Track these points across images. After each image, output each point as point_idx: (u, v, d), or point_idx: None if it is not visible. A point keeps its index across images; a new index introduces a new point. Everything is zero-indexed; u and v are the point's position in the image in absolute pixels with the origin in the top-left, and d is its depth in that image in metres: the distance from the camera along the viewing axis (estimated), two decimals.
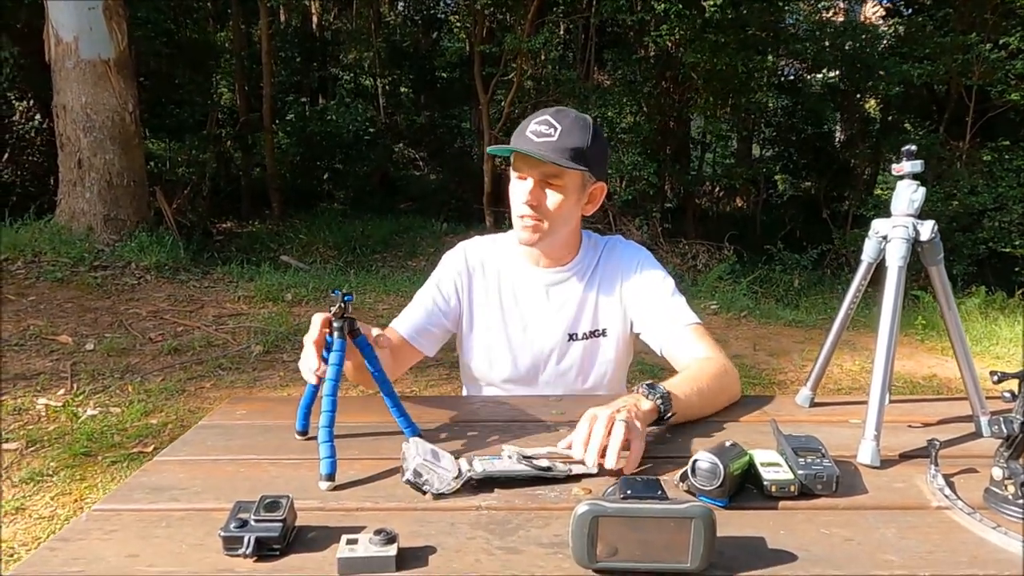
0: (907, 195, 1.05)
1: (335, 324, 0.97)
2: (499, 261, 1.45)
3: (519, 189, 1.30)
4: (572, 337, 1.41)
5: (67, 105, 5.68)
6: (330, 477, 0.91)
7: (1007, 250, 7.62)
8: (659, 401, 1.05)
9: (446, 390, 3.58)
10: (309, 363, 0.98)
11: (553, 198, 1.29)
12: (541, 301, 1.42)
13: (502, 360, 1.42)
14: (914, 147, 1.04)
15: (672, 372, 1.27)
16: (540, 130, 1.24)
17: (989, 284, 7.19)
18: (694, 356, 1.28)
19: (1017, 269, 7.61)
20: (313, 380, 0.98)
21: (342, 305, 0.97)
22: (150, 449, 2.81)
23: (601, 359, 1.42)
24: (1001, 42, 7.53)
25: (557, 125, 1.24)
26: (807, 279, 7.70)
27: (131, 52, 5.96)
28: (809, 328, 5.38)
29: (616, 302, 1.41)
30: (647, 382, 1.08)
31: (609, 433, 0.93)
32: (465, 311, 1.45)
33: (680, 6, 7.39)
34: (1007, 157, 7.91)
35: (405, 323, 1.40)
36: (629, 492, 0.73)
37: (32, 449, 2.77)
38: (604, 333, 1.41)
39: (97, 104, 5.68)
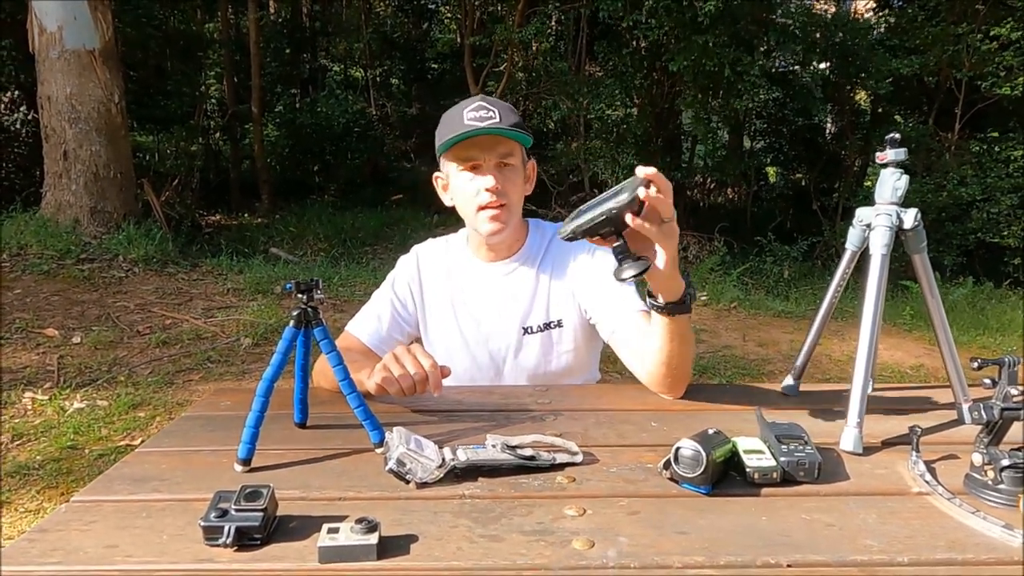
0: (891, 183, 1.05)
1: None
2: (449, 261, 1.45)
3: (476, 181, 1.28)
4: (527, 331, 1.38)
5: (52, 96, 5.61)
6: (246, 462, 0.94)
7: (996, 240, 7.68)
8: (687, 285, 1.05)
9: None
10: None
11: (511, 178, 1.29)
12: (491, 296, 1.40)
13: (461, 359, 1.41)
14: (898, 135, 1.04)
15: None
16: (481, 115, 1.23)
17: (978, 275, 7.25)
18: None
19: (1006, 259, 7.67)
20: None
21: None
22: (137, 442, 2.79)
23: (560, 350, 1.39)
24: (992, 33, 7.55)
25: (493, 108, 1.24)
26: (797, 270, 7.72)
27: (117, 42, 5.89)
28: (798, 319, 5.41)
29: (567, 291, 1.37)
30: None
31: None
32: (420, 315, 1.45)
33: (669, 1, 7.34)
34: (996, 148, 7.95)
35: (366, 331, 1.40)
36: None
37: (18, 443, 2.76)
38: (560, 324, 1.38)
39: (82, 95, 5.61)
